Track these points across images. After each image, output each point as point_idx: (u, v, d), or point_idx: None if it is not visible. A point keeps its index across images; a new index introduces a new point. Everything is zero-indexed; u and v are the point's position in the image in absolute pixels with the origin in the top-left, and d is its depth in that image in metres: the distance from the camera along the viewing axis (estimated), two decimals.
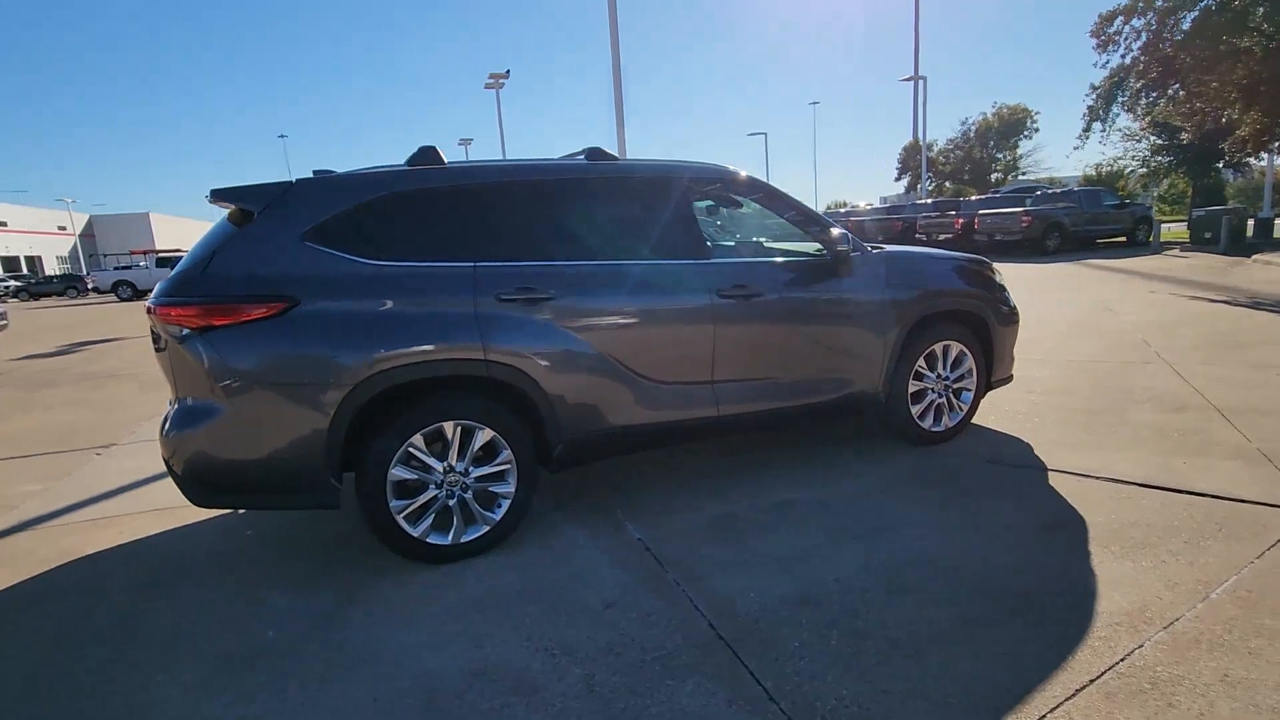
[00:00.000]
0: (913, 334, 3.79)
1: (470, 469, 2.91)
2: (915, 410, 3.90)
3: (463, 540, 2.90)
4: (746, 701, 1.96)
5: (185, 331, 2.56)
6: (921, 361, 3.87)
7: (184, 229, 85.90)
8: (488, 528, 2.95)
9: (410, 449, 2.77)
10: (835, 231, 3.54)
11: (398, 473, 2.76)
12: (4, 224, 66.32)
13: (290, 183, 2.81)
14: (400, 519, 2.79)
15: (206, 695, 2.12)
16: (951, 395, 4.04)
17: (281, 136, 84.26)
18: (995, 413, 4.52)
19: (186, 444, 2.65)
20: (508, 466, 2.96)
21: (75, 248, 72.65)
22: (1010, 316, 4.18)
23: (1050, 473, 3.46)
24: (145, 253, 36.36)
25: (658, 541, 3.03)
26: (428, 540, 2.84)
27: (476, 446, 2.89)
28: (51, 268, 66.28)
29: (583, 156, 3.35)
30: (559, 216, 3.19)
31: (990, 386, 4.15)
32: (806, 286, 3.56)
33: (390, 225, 2.86)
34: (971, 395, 4.06)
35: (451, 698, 2.04)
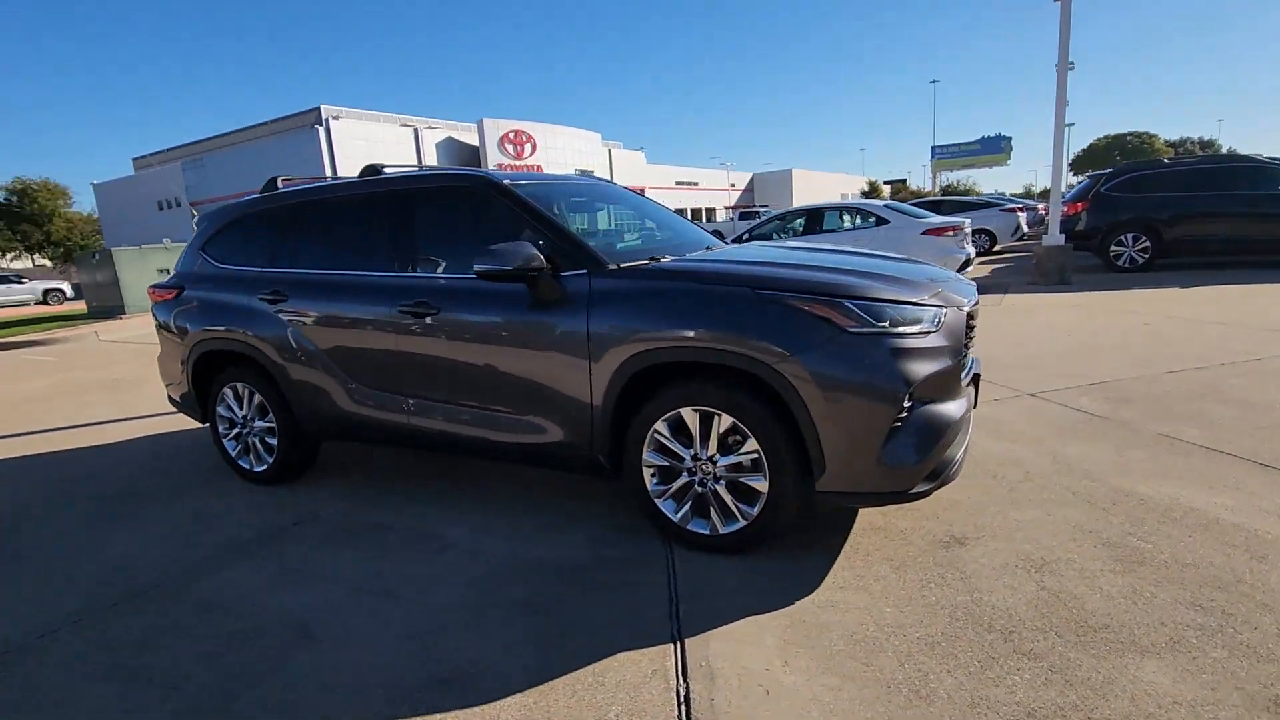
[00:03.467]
0: (637, 387, 2.78)
1: (254, 419, 3.93)
2: (658, 493, 2.83)
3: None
4: None
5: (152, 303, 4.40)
6: (662, 429, 2.74)
7: (820, 182, 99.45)
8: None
9: (226, 392, 3.99)
10: (570, 246, 2.93)
11: (221, 410, 4.04)
12: (695, 183, 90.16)
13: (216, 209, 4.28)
14: (227, 443, 4.07)
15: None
16: (729, 489, 2.69)
17: (933, 82, 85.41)
18: None
19: None
20: (273, 425, 3.84)
21: (738, 200, 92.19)
22: (869, 386, 2.41)
23: None
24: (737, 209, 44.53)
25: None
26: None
27: (254, 403, 3.89)
28: (722, 218, 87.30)
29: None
30: (310, 231, 3.76)
31: (834, 500, 2.56)
32: (491, 309, 3.02)
33: (232, 240, 4.03)
34: (763, 500, 2.61)
35: None
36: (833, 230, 10.32)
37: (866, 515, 2.99)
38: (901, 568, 2.57)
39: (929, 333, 2.55)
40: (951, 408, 2.58)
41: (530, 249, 2.79)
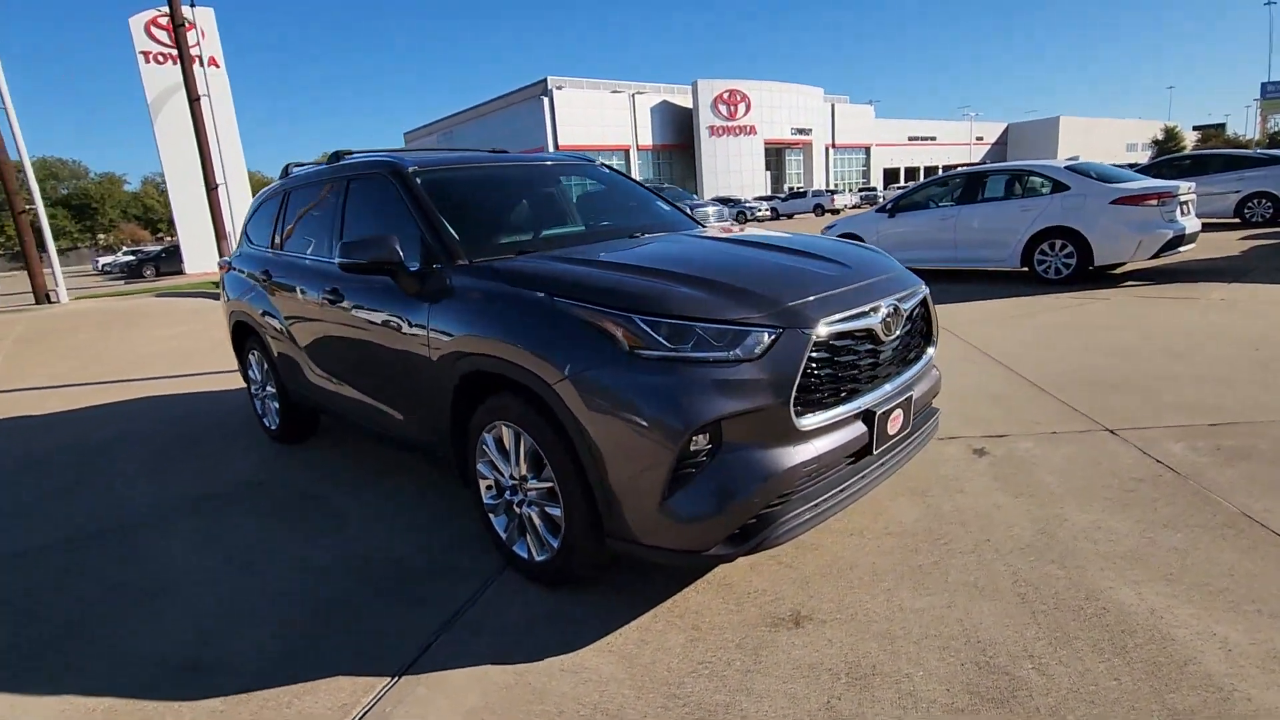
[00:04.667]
0: (470, 395, 2.58)
1: (265, 384, 4.37)
2: (491, 506, 2.64)
3: None
4: None
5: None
6: (488, 440, 2.53)
7: (1099, 132, 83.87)
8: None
9: (250, 358, 4.53)
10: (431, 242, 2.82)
11: (248, 374, 4.57)
12: (933, 138, 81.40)
13: None
14: (255, 404, 4.60)
15: None
16: (540, 516, 2.43)
17: (1269, 3, 66.22)
18: None
19: None
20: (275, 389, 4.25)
21: (985, 157, 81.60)
22: (647, 420, 2.00)
23: None
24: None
25: None
26: None
27: (264, 370, 4.33)
28: None
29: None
30: (289, 217, 4.03)
31: (624, 549, 2.19)
32: (377, 299, 2.99)
33: (257, 222, 4.46)
34: (561, 535, 2.32)
35: None
36: (995, 199, 8.66)
37: (724, 569, 2.52)
38: (698, 642, 2.13)
39: (742, 360, 2.02)
40: (775, 455, 2.04)
41: (387, 243, 2.71)
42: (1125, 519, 2.63)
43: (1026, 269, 8.27)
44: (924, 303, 2.70)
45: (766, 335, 2.06)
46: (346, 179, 3.47)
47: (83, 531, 3.30)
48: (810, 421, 2.11)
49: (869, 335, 2.29)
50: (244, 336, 4.57)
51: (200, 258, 27.05)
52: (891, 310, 2.36)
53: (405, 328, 2.79)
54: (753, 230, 3.46)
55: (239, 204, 22.00)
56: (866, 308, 2.27)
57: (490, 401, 2.47)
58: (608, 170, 3.96)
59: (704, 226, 3.66)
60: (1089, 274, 7.90)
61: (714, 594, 2.37)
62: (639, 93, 54.04)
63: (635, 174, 51.56)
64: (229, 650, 2.28)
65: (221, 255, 10.76)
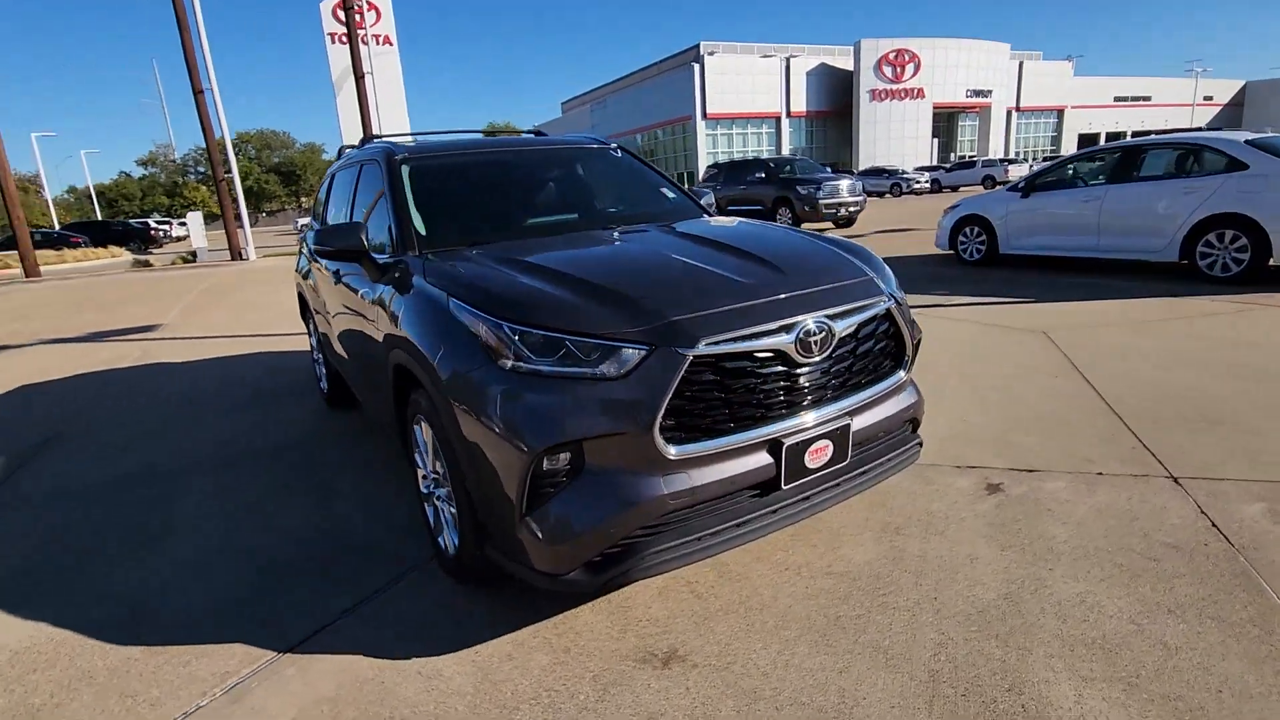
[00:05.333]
0: (403, 387, 2.62)
1: (317, 351, 4.73)
2: (425, 494, 2.67)
3: None
4: None
5: None
6: (417, 432, 2.55)
7: None
8: None
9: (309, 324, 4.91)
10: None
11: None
12: (1146, 98, 70.38)
13: None
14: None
15: None
16: (449, 510, 2.42)
17: None
18: None
19: None
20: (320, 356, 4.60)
21: (1213, 121, 69.41)
22: (504, 434, 1.93)
23: None
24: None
25: None
26: None
27: (317, 335, 4.70)
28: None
29: None
30: (331, 196, 4.23)
31: (500, 564, 2.16)
32: (360, 281, 3.07)
33: (320, 200, 4.80)
34: (459, 531, 2.30)
35: None
36: (1153, 177, 7.31)
37: (635, 590, 2.38)
38: (560, 666, 2.03)
39: (606, 379, 1.87)
40: (638, 483, 1.88)
41: (354, 233, 2.80)
42: (1123, 595, 2.15)
43: (1186, 263, 6.97)
44: (887, 317, 2.34)
45: (636, 353, 1.88)
46: (360, 164, 3.61)
47: (139, 472, 3.79)
48: (687, 450, 1.92)
49: (778, 357, 2.02)
50: (305, 306, 4.97)
51: None
52: (817, 329, 2.06)
53: (369, 314, 2.89)
54: (722, 223, 3.17)
55: None
56: (774, 325, 2.00)
57: (413, 394, 2.49)
58: (619, 154, 3.80)
59: (708, 216, 3.43)
60: (1266, 273, 6.50)
61: (606, 616, 2.26)
62: (793, 56, 51.58)
63: (785, 143, 49.76)
64: (175, 602, 2.52)
65: None
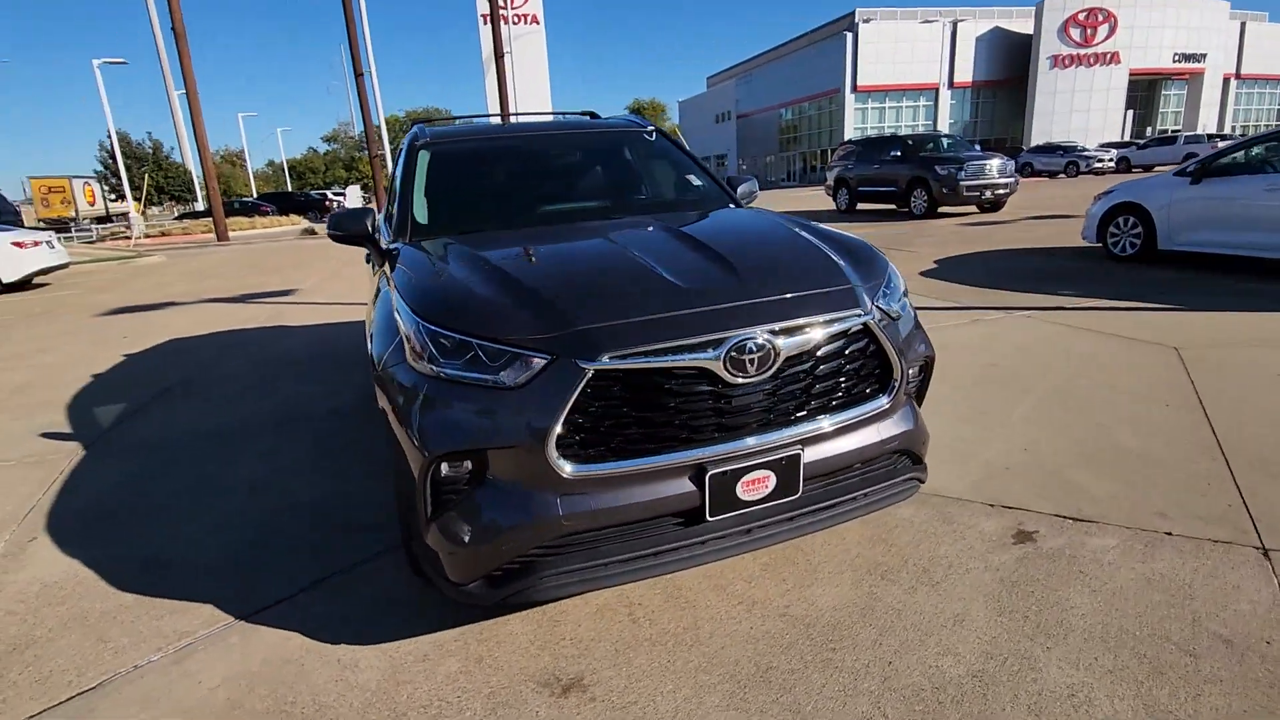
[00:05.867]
0: None
1: None
2: None
3: None
4: None
5: None
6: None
7: None
8: None
9: None
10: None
11: None
12: None
13: None
14: None
15: None
16: None
17: None
18: None
19: None
20: None
21: None
22: (409, 439, 1.92)
23: None
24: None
25: None
26: None
27: None
28: None
29: None
30: None
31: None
32: (376, 262, 3.15)
33: None
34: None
35: None
36: None
37: (573, 604, 2.26)
38: (466, 675, 1.98)
39: (504, 388, 1.76)
40: (531, 501, 1.78)
41: (361, 219, 2.87)
42: (1127, 697, 1.73)
43: None
44: (863, 334, 2.02)
45: (537, 363, 1.76)
46: (403, 145, 3.70)
47: (213, 430, 4.21)
48: (589, 470, 1.77)
49: (703, 375, 1.80)
50: None
51: None
52: (757, 346, 1.82)
53: (372, 295, 2.96)
54: (725, 217, 2.89)
55: None
56: (697, 339, 1.78)
57: None
58: (652, 139, 3.60)
59: (734, 205, 3.17)
60: None
61: (534, 628, 2.17)
62: (960, 20, 47.06)
63: (943, 118, 45.97)
64: (185, 557, 2.76)
65: None
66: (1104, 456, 3.04)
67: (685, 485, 1.82)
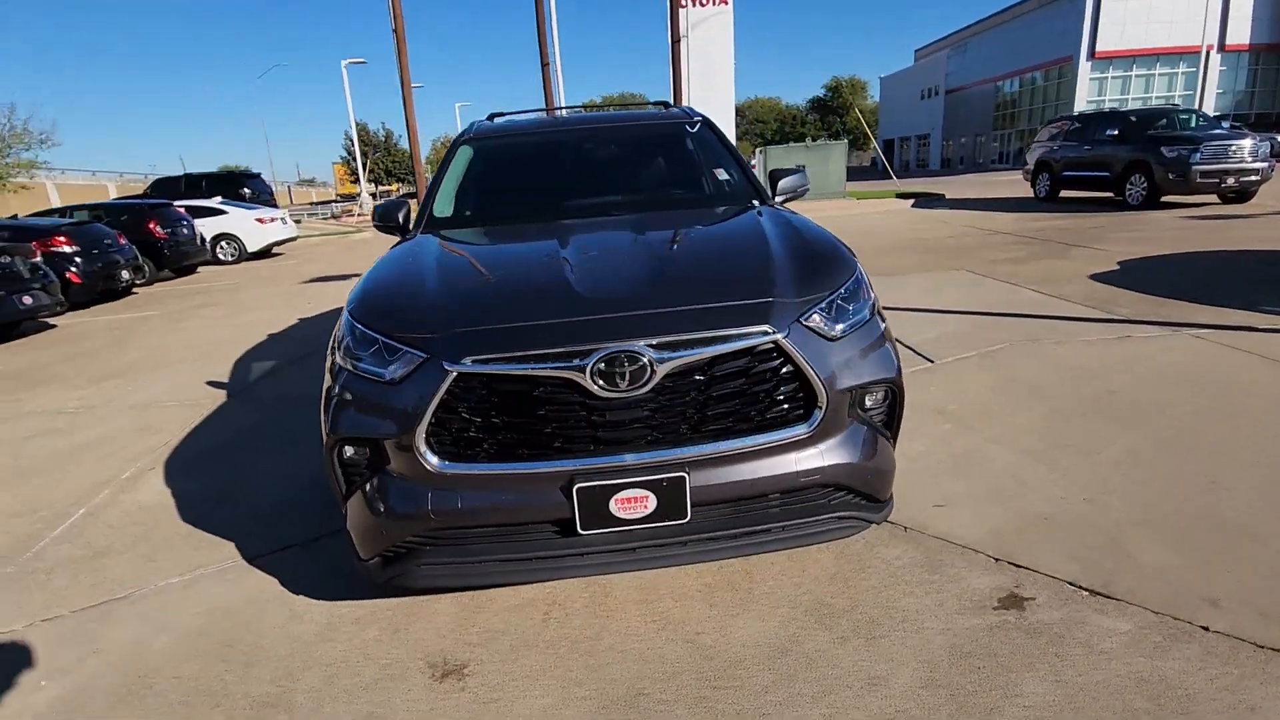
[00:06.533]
0: None
1: None
2: None
3: None
4: None
5: None
6: None
7: None
8: None
9: None
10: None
11: None
12: None
13: None
14: None
15: None
16: None
17: None
18: None
19: None
20: None
21: None
22: (324, 424, 2.08)
23: None
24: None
25: None
26: None
27: None
28: None
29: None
30: None
31: None
32: None
33: None
34: None
35: None
36: None
37: (527, 591, 2.32)
38: (377, 645, 2.14)
39: (386, 383, 1.87)
40: (406, 491, 1.88)
41: (394, 210, 3.14)
42: None
43: None
44: (774, 354, 1.82)
45: (414, 361, 1.83)
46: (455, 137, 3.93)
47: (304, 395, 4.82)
48: (455, 468, 1.82)
49: (571, 386, 1.75)
50: None
51: None
52: (627, 359, 1.72)
53: None
54: (716, 220, 2.71)
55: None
56: (561, 349, 1.73)
57: None
58: (696, 129, 3.45)
59: (763, 206, 2.97)
60: None
61: (459, 610, 2.27)
62: None
63: (1209, 89, 38.37)
64: (245, 495, 3.25)
65: None
66: (1185, 523, 2.45)
67: (556, 496, 1.80)
